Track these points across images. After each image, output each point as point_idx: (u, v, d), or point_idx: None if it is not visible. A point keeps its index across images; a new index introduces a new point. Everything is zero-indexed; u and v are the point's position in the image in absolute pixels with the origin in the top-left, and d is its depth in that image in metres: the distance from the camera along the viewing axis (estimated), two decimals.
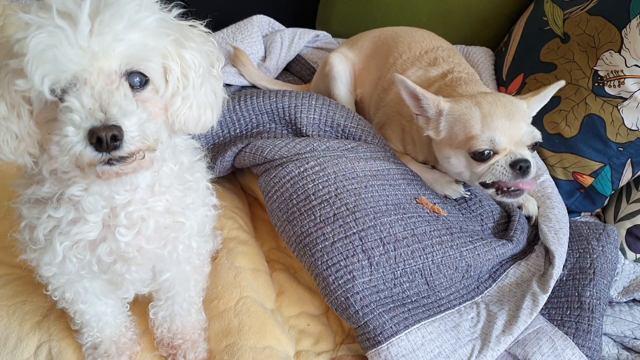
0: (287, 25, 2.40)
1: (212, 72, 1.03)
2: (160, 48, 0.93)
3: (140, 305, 1.39)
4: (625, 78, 1.60)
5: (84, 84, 0.85)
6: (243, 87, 2.11)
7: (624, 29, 1.58)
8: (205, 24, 1.05)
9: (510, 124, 1.45)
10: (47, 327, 1.37)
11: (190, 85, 0.97)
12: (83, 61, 0.84)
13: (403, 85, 1.54)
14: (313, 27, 2.45)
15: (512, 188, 1.48)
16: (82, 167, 0.87)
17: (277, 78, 2.25)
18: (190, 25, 1.02)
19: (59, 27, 0.82)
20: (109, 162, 0.86)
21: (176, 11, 1.00)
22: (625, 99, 1.61)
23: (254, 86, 2.12)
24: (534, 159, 1.48)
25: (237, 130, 1.74)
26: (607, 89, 1.64)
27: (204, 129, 1.04)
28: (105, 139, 0.83)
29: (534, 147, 1.50)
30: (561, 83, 1.57)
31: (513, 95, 1.83)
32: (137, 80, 0.91)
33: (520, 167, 1.44)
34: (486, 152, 1.46)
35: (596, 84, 1.66)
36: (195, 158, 1.15)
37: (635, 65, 1.57)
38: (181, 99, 0.97)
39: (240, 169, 1.76)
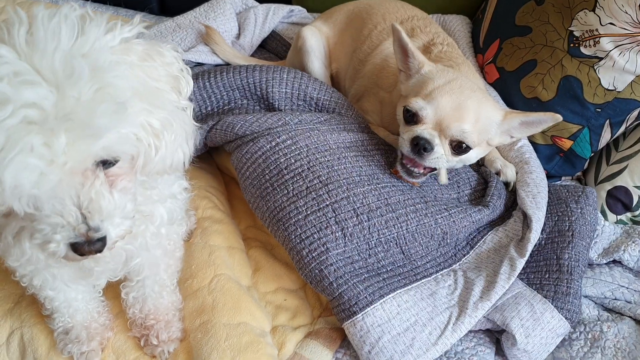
0: (264, 2, 2.36)
1: (181, 103, 0.94)
2: (134, 129, 0.84)
3: (116, 288, 1.37)
4: (600, 37, 1.56)
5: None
6: (217, 66, 2.08)
7: None
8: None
9: (452, 112, 1.37)
10: (18, 314, 1.36)
11: (163, 145, 0.89)
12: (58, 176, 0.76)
13: (397, 37, 1.48)
14: (289, 4, 2.40)
15: (408, 165, 1.43)
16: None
17: (252, 55, 2.21)
18: (157, 52, 0.90)
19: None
20: None
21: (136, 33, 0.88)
22: (601, 59, 1.58)
23: (228, 64, 2.08)
24: (442, 152, 1.39)
25: (209, 108, 1.70)
26: (582, 49, 1.60)
27: (177, 169, 0.98)
28: (89, 250, 0.83)
29: (457, 148, 1.40)
30: (558, 118, 1.40)
31: (490, 64, 1.79)
32: (108, 162, 0.84)
33: (417, 143, 1.37)
34: (411, 113, 1.41)
35: (572, 45, 1.63)
36: None
37: (610, 24, 1.53)
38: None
39: (216, 148, 1.73)
